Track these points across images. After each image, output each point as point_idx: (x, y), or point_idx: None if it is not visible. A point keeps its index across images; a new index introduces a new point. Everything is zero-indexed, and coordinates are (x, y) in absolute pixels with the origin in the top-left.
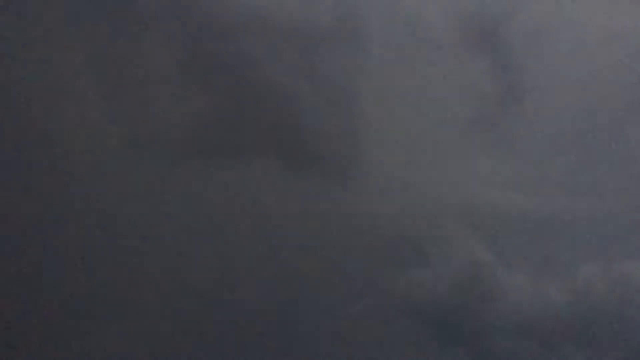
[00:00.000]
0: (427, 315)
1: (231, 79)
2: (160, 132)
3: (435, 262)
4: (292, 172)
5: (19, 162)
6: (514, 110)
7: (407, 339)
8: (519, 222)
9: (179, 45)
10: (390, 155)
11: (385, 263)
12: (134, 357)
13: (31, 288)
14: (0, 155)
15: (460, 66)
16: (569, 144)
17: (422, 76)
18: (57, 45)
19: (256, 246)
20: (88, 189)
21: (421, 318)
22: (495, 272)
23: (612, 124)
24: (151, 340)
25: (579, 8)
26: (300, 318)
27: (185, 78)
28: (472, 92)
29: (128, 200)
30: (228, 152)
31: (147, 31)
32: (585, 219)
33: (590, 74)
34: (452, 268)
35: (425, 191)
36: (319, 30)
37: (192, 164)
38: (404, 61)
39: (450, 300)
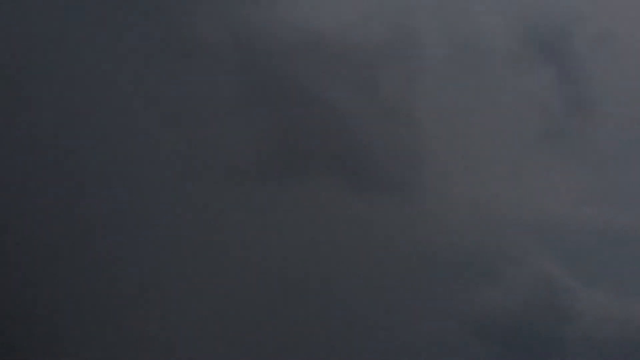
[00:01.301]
0: (498, 336)
1: (290, 100)
2: (222, 156)
3: (506, 281)
4: (354, 191)
5: (80, 185)
6: (584, 121)
7: None
8: (596, 236)
9: (237, 68)
10: (455, 170)
11: (452, 282)
12: None
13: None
14: (57, 178)
15: (525, 77)
16: None
17: (485, 88)
18: (118, 73)
19: (318, 265)
20: (147, 213)
21: (491, 339)
22: (572, 289)
23: None
24: None
25: None
26: (363, 339)
27: (245, 100)
28: (538, 103)
29: (189, 224)
30: (289, 173)
31: (205, 54)
32: None
33: None
34: (524, 286)
35: (493, 206)
36: (377, 47)
37: (254, 187)
38: (466, 74)
39: (523, 320)
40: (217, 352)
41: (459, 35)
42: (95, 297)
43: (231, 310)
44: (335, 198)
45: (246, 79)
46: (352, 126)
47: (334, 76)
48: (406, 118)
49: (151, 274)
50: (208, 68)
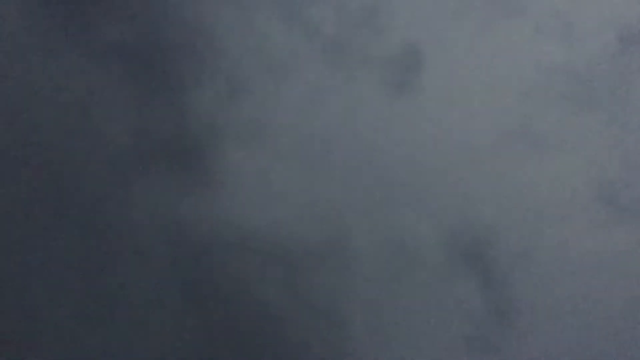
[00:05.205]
0: None
1: (220, 298)
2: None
3: None
4: None
5: None
6: (507, 328)
7: None
8: None
9: (168, 264)
10: None
11: None
12: None
13: None
14: None
15: (450, 283)
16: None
17: (411, 295)
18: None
19: None
20: None
21: None
22: None
23: (607, 339)
24: None
25: (562, 230)
26: None
27: (175, 297)
28: (462, 310)
29: None
30: None
31: (137, 249)
32: None
33: (579, 292)
34: None
35: None
36: (307, 249)
37: None
38: (392, 279)
39: None
40: None
41: (387, 242)
42: None
43: None
44: None
45: (176, 275)
46: (281, 325)
47: (264, 275)
48: (333, 320)
49: None
50: (138, 264)
